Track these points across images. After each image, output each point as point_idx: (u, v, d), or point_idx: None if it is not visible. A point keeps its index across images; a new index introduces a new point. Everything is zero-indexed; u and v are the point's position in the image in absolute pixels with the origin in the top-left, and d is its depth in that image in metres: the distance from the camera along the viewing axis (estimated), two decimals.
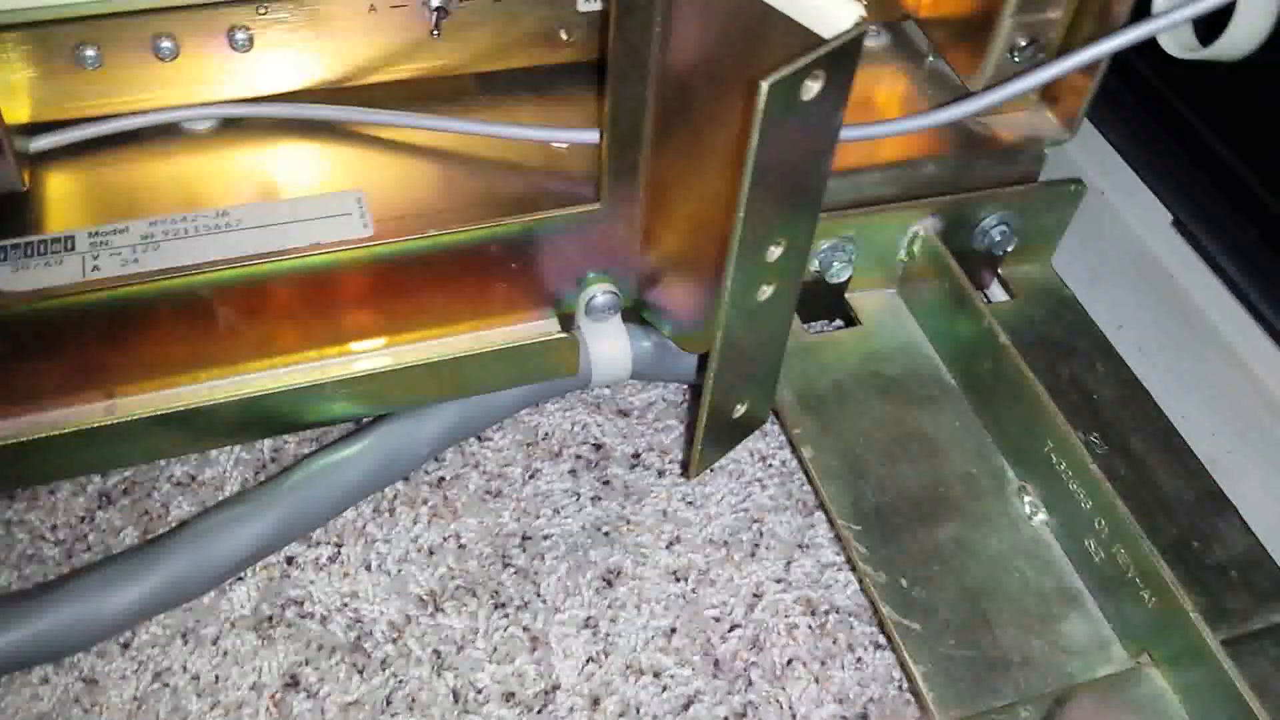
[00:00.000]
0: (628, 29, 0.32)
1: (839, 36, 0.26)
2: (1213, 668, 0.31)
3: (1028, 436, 0.37)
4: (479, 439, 0.44)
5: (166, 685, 0.37)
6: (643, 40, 0.32)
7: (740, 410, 0.35)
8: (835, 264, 0.40)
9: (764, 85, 0.25)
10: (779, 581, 0.40)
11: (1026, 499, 0.37)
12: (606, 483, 0.43)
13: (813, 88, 0.27)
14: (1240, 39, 0.30)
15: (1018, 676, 0.33)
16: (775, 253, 0.30)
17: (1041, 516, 0.37)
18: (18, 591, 0.38)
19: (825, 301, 0.42)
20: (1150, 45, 0.36)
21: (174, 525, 0.40)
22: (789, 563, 0.41)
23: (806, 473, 0.38)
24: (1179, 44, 0.33)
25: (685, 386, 0.46)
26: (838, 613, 0.40)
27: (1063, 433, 0.35)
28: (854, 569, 0.36)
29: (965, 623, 0.34)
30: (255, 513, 0.36)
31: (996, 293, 0.45)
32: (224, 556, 0.36)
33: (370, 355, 0.37)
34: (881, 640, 0.39)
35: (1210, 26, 0.32)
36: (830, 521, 0.36)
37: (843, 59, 0.27)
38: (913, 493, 0.37)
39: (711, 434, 0.35)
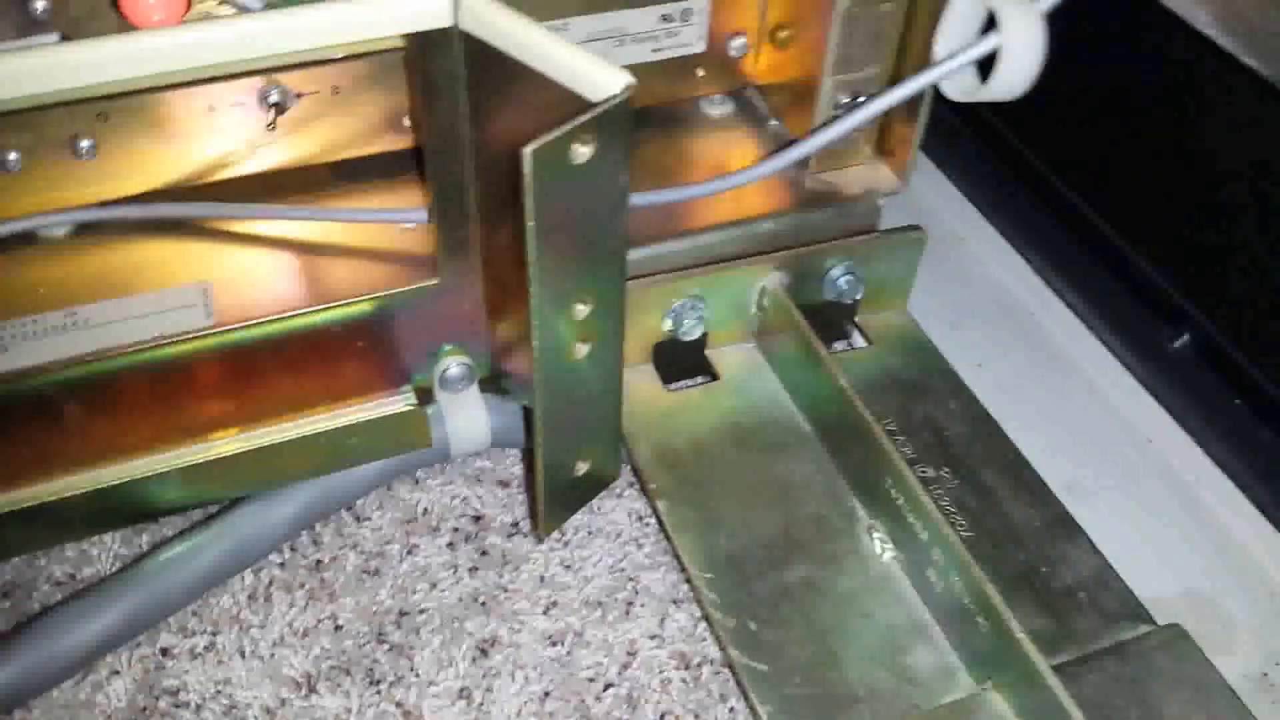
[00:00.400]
0: (436, 113, 0.33)
1: (604, 101, 0.28)
2: (1046, 691, 0.31)
3: (872, 475, 0.37)
4: (357, 519, 0.44)
5: None
6: (449, 117, 0.34)
7: (583, 468, 0.36)
8: (686, 321, 0.42)
9: (527, 152, 0.27)
10: (653, 638, 0.41)
11: (876, 535, 0.38)
12: (484, 553, 0.44)
13: (583, 151, 0.28)
14: (1010, 79, 0.32)
15: (864, 710, 0.34)
16: (583, 310, 0.31)
17: (890, 553, 0.37)
18: None
19: (685, 359, 0.43)
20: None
21: None
22: (663, 619, 0.41)
23: (662, 527, 0.39)
24: (959, 90, 0.35)
25: None
26: (711, 664, 0.40)
27: (898, 468, 0.36)
28: (707, 618, 0.36)
29: (813, 661, 0.34)
30: (105, 603, 0.37)
31: (858, 339, 0.46)
32: (77, 647, 0.36)
33: (224, 441, 0.38)
34: None
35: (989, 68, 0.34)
36: (683, 571, 0.37)
37: (612, 122, 0.28)
38: (766, 538, 0.38)
39: (555, 492, 0.36)
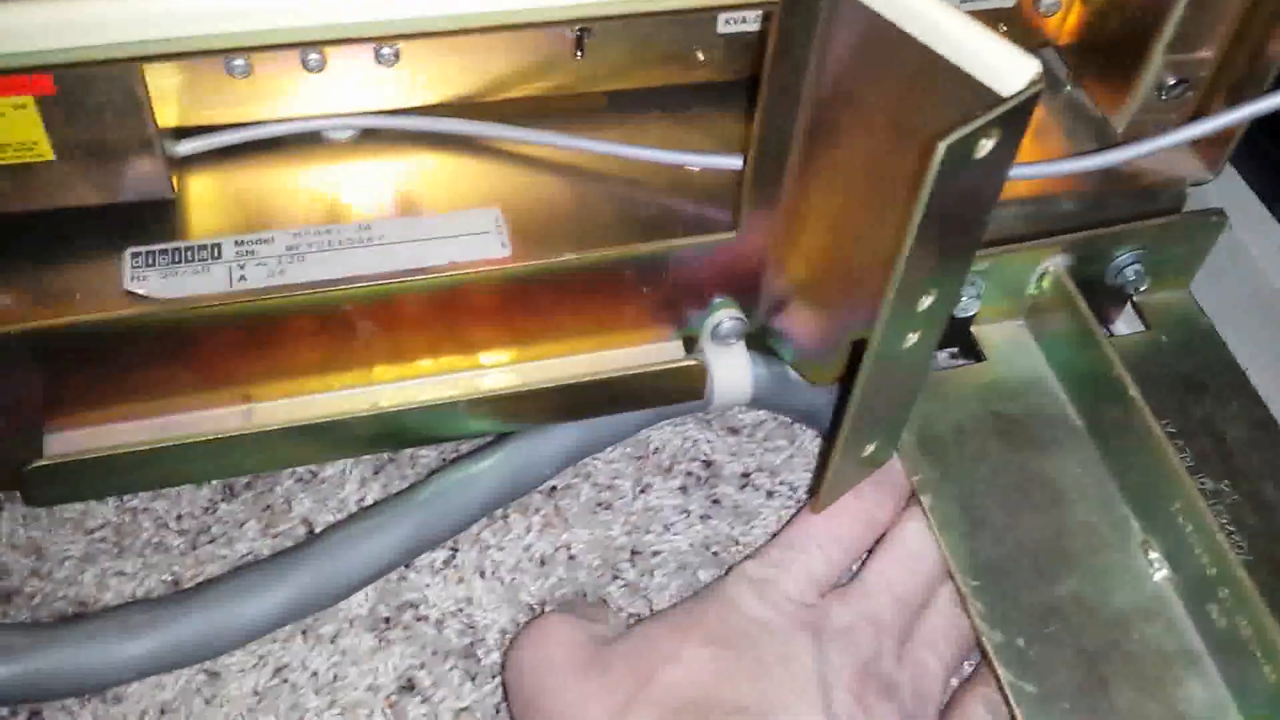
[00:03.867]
0: (784, 58, 0.31)
1: (1017, 95, 0.26)
2: None
3: (1154, 492, 0.36)
4: None
5: (286, 681, 0.38)
6: (797, 71, 0.32)
7: (869, 449, 0.35)
8: (965, 299, 0.40)
9: (941, 146, 0.25)
10: None
11: (1151, 554, 0.36)
12: (716, 501, 0.43)
13: (986, 145, 0.26)
14: None
15: None
16: (926, 302, 0.30)
17: (1165, 573, 0.36)
18: (154, 599, 0.38)
19: (951, 333, 0.42)
20: None
21: (295, 520, 0.41)
22: None
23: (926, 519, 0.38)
24: None
25: None
26: None
27: (1191, 496, 0.34)
28: (973, 627, 0.35)
29: (1082, 685, 0.34)
30: (388, 526, 0.37)
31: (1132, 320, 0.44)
32: (354, 570, 0.37)
33: (498, 373, 0.37)
34: None
35: None
36: (950, 574, 0.36)
37: (1018, 117, 0.26)
38: (1034, 545, 0.36)
39: (840, 470, 0.35)
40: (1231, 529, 0.37)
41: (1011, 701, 0.33)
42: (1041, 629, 0.35)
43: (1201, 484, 0.38)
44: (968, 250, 0.30)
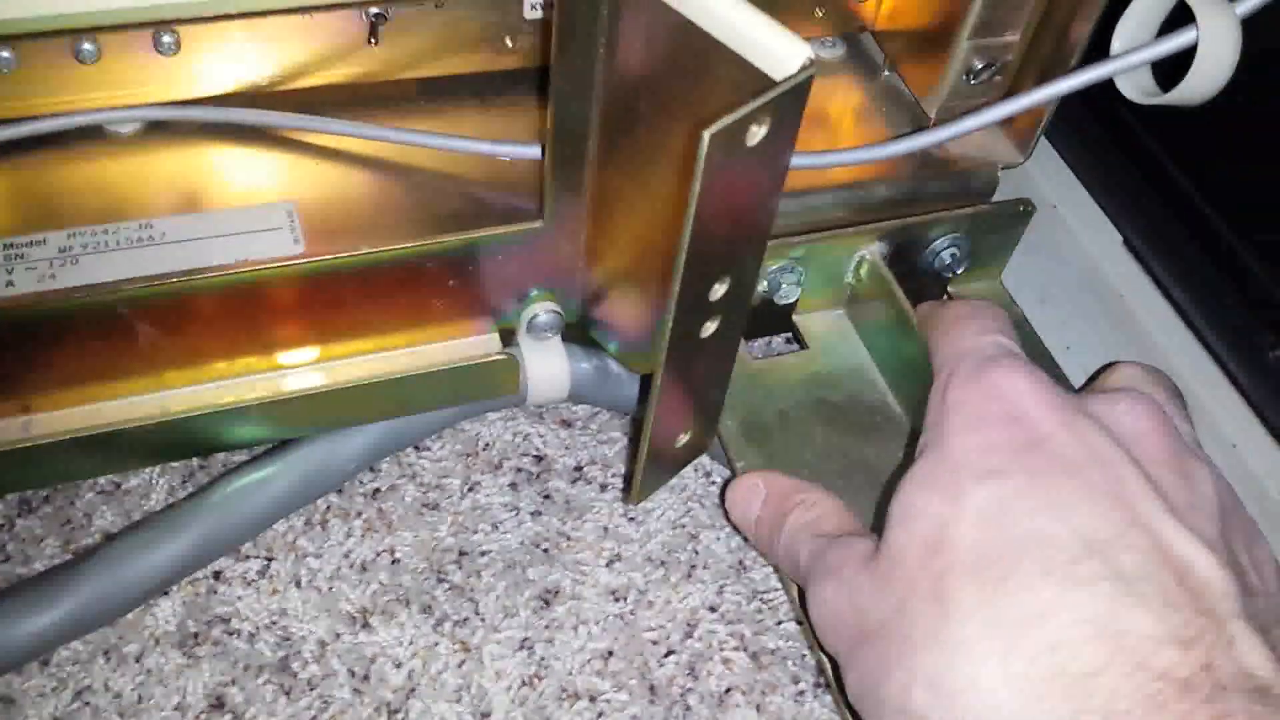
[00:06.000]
0: (570, 46, 0.31)
1: (787, 80, 0.25)
2: None
3: None
4: (416, 449, 0.43)
5: (87, 704, 0.36)
6: (586, 58, 0.31)
7: (683, 440, 0.35)
8: (784, 285, 0.40)
9: (706, 135, 0.24)
10: (712, 609, 0.40)
11: None
12: (548, 496, 0.42)
13: (758, 132, 0.26)
14: (1201, 85, 0.30)
15: None
16: (719, 290, 0.29)
17: None
18: None
19: (772, 321, 0.42)
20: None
21: (97, 535, 0.39)
22: (721, 588, 0.40)
23: None
24: (1138, 89, 0.33)
25: None
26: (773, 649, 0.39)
27: None
28: (793, 609, 0.35)
29: None
30: (173, 533, 0.35)
31: None
32: (142, 579, 0.35)
33: (300, 373, 0.36)
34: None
35: (1170, 68, 0.31)
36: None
37: (790, 102, 0.26)
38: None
39: (652, 463, 0.34)
40: None
41: (830, 678, 0.33)
42: None
43: None
44: (757, 239, 0.30)
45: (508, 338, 0.39)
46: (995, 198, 0.43)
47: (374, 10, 0.35)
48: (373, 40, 0.35)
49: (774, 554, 0.34)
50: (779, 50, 0.26)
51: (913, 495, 0.29)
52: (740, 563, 0.41)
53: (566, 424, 0.45)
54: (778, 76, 0.26)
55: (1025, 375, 0.29)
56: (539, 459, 0.43)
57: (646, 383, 0.39)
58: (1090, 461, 0.28)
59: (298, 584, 0.39)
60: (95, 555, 0.35)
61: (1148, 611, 0.25)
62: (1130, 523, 0.27)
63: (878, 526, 0.30)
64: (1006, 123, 0.41)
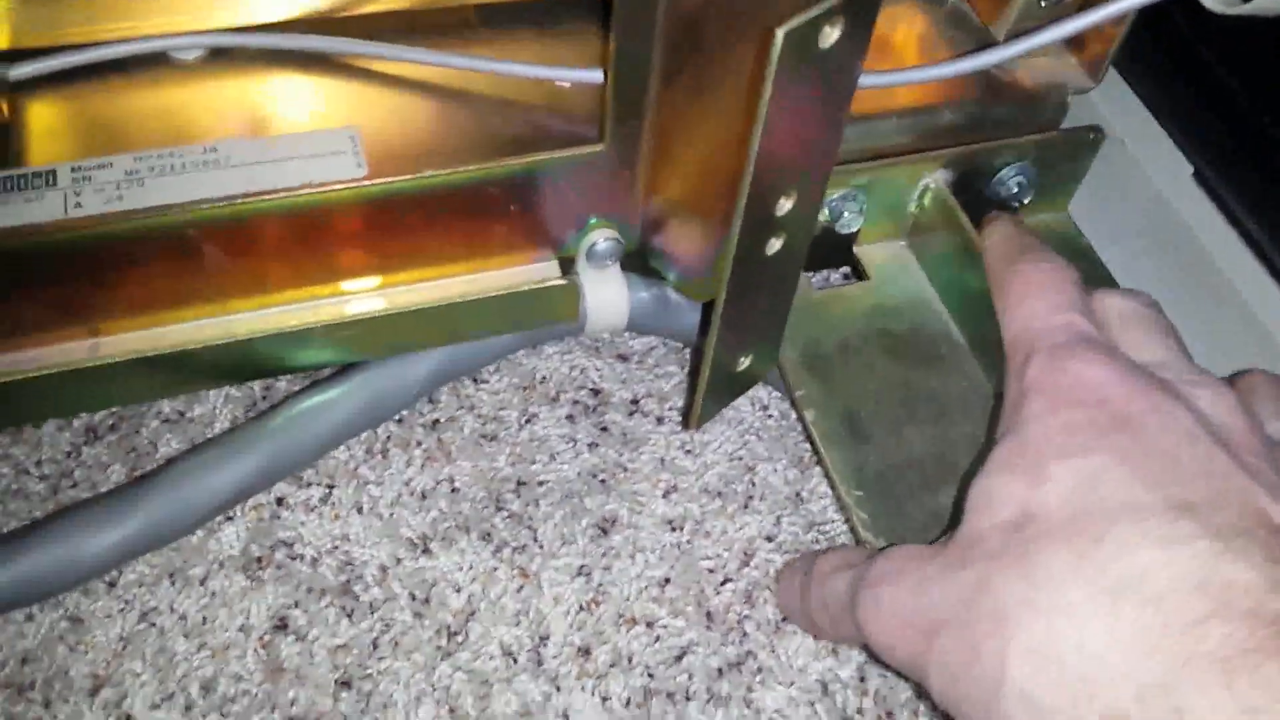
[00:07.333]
0: None
1: None
2: None
3: None
4: (474, 381, 0.43)
5: (153, 625, 0.37)
6: None
7: (743, 364, 0.35)
8: (845, 214, 0.39)
9: (779, 33, 0.24)
10: (769, 539, 0.40)
11: None
12: (604, 429, 0.42)
13: (831, 34, 0.25)
14: None
15: None
16: (786, 206, 0.29)
17: None
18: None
19: (833, 252, 0.41)
20: None
21: (161, 462, 0.40)
22: (779, 518, 0.40)
23: (809, 437, 0.37)
24: None
25: None
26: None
27: None
28: (855, 536, 0.35)
29: None
30: (238, 454, 0.36)
31: None
32: (206, 498, 0.35)
33: (363, 297, 0.36)
34: None
35: None
36: (832, 487, 0.36)
37: (864, 4, 0.25)
38: (918, 458, 0.36)
39: (712, 387, 0.34)
40: None
41: None
42: (924, 536, 0.34)
43: None
44: (825, 152, 0.29)
45: (567, 266, 0.39)
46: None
47: None
48: None
49: (821, 608, 0.33)
50: None
51: (992, 481, 0.28)
52: (797, 494, 0.41)
53: (623, 358, 0.45)
54: None
55: (1104, 362, 0.29)
56: (595, 392, 0.43)
57: (706, 312, 0.38)
58: (1177, 439, 0.27)
59: (359, 510, 0.39)
60: (160, 474, 0.35)
61: (1250, 565, 0.24)
62: (1223, 490, 0.26)
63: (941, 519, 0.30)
64: (1077, 46, 0.40)
